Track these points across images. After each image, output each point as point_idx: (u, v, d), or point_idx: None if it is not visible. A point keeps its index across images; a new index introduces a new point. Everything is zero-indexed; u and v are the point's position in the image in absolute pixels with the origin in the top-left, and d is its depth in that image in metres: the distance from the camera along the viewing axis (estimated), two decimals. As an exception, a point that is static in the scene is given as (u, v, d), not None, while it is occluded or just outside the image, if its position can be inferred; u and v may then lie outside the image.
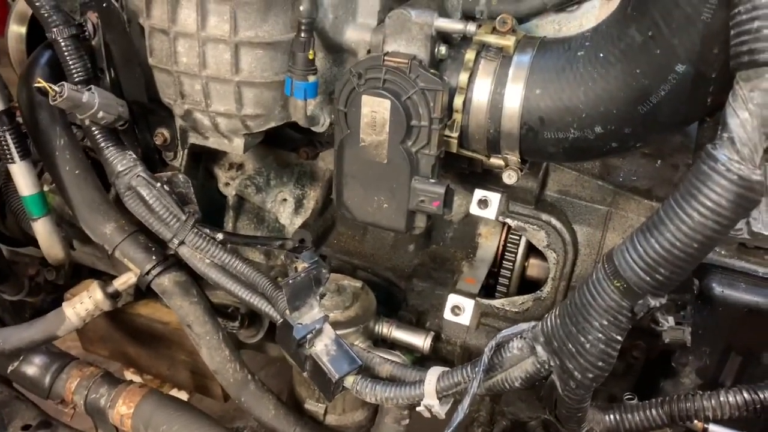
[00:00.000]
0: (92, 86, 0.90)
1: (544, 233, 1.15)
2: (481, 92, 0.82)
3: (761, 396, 0.75)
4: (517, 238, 1.21)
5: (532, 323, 0.76)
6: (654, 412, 0.78)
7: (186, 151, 1.09)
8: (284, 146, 1.31)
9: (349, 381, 0.85)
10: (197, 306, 1.11)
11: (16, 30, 1.21)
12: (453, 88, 0.82)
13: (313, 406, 1.25)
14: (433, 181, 0.83)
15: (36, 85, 0.86)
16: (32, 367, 1.21)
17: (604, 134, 0.78)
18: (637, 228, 0.64)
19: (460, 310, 1.18)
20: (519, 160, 0.86)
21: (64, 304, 1.11)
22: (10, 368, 1.21)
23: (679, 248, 0.60)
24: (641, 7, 0.71)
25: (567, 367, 0.69)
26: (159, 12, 0.86)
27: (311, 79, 0.83)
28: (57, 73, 1.03)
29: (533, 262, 1.23)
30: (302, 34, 0.80)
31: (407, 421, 1.15)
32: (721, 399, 0.76)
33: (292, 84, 0.83)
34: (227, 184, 1.33)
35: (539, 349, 0.73)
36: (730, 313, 0.96)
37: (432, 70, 0.80)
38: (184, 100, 0.91)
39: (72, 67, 0.92)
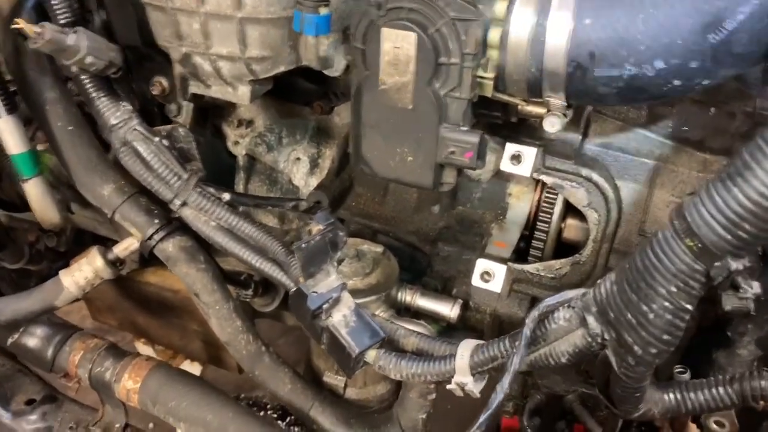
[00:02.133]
0: (79, 28, 0.80)
1: (584, 190, 1.04)
2: (522, 24, 0.71)
3: None
4: (554, 196, 1.10)
5: (581, 290, 0.65)
6: (722, 390, 0.67)
7: (191, 105, 0.99)
8: (297, 100, 1.20)
9: (370, 356, 0.76)
10: (205, 273, 1.02)
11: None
12: (487, 20, 0.71)
13: (332, 379, 1.16)
14: (464, 129, 0.73)
15: (14, 26, 0.76)
16: (33, 339, 1.14)
17: (666, 70, 0.67)
18: (715, 176, 0.53)
19: (489, 276, 1.07)
20: (564, 104, 0.74)
21: (61, 272, 1.03)
22: (10, 340, 1.14)
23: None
24: None
25: (625, 341, 0.59)
26: (148, -61, 0.75)
27: (323, 11, 0.72)
28: (45, 18, 0.93)
29: (571, 223, 1.12)
30: (312, -42, 0.69)
31: (434, 395, 1.06)
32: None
33: (302, 18, 0.72)
34: (236, 143, 1.23)
35: (591, 320, 0.63)
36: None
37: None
38: (182, 42, 0.81)
39: (57, 7, 0.82)
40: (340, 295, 0.77)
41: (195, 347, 1.43)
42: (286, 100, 1.22)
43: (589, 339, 0.63)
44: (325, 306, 0.76)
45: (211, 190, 0.89)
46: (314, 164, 1.25)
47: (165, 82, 0.88)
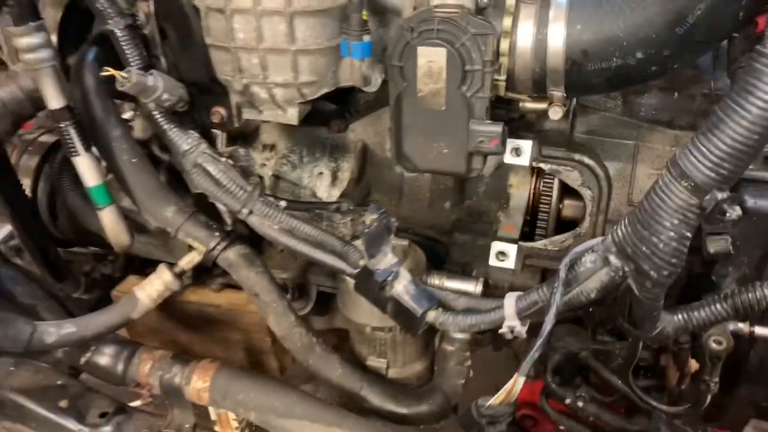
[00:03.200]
0: (153, 70, 0.95)
1: (577, 173, 1.22)
2: (525, 34, 0.89)
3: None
4: (551, 181, 1.27)
5: (601, 238, 0.82)
6: (719, 306, 0.85)
7: (224, 134, 1.14)
8: (315, 122, 1.36)
9: (431, 316, 0.92)
10: (263, 276, 1.16)
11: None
12: (499, 33, 0.89)
13: (375, 362, 1.31)
14: (489, 122, 0.90)
15: (103, 73, 0.91)
16: (104, 357, 1.26)
17: (645, 59, 0.85)
18: (697, 132, 0.71)
19: (504, 255, 1.24)
20: (564, 95, 0.92)
21: (135, 288, 1.16)
22: (83, 359, 1.26)
23: (741, 142, 0.67)
24: (674, -66, 0.77)
25: (643, 269, 0.76)
26: (213, -8, 0.91)
27: (366, 38, 0.89)
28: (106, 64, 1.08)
29: (567, 203, 1.30)
30: (356, -5, 0.86)
31: (469, 362, 1.22)
32: (779, 285, 0.83)
33: (349, 45, 0.89)
34: (263, 165, 1.38)
35: (612, 258, 0.80)
36: (763, 221, 1.03)
37: (480, 17, 0.86)
38: (243, 75, 0.96)
39: (130, 55, 0.97)
40: (399, 270, 0.93)
41: (238, 356, 1.55)
42: (305, 124, 1.38)
43: (613, 273, 0.80)
44: (388, 279, 0.91)
45: (271, 199, 1.04)
46: (335, 177, 1.40)
47: (223, 111, 1.04)
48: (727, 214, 0.69)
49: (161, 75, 0.95)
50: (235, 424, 1.30)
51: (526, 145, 1.16)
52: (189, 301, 1.48)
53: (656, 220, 0.74)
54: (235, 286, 1.50)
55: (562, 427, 1.28)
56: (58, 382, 1.32)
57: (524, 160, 1.18)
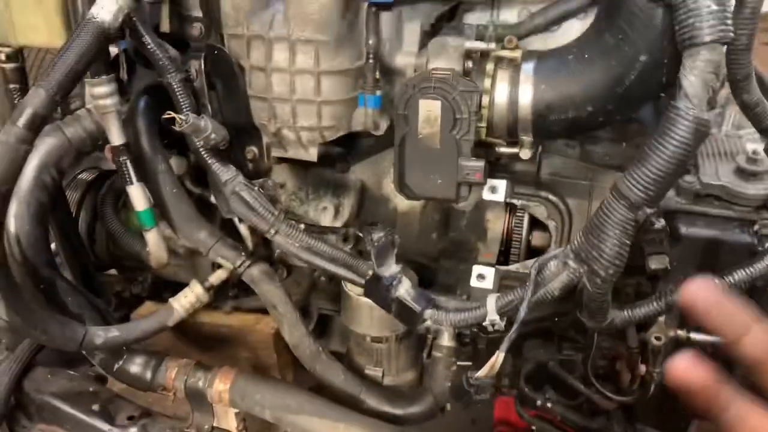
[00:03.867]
0: (203, 115, 1.18)
1: (543, 207, 1.46)
2: (501, 92, 1.14)
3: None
4: (521, 215, 1.51)
5: (561, 248, 1.06)
6: (654, 304, 1.08)
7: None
8: (323, 164, 1.59)
9: (428, 314, 1.14)
10: (280, 290, 1.37)
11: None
12: (481, 90, 1.14)
13: (372, 371, 1.51)
14: (474, 158, 1.14)
15: (165, 116, 1.13)
16: (134, 366, 1.43)
17: (594, 112, 1.10)
18: (631, 164, 0.96)
19: (483, 277, 1.47)
20: (531, 140, 1.17)
21: (171, 299, 1.35)
22: (116, 367, 1.43)
23: (662, 171, 0.91)
24: (612, 21, 1.04)
25: (594, 269, 0.99)
26: (256, 55, 1.15)
27: (378, 92, 1.13)
28: (155, 114, 1.31)
29: (536, 234, 1.53)
30: (370, 60, 1.11)
31: (455, 367, 1.43)
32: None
33: (365, 98, 1.13)
34: (276, 201, 1.60)
35: (571, 263, 1.03)
36: (693, 245, 1.28)
37: (467, 77, 1.11)
38: (276, 121, 1.20)
39: (183, 103, 1.19)
40: (401, 276, 1.15)
41: (246, 371, 1.72)
42: (312, 166, 1.60)
43: (572, 275, 1.03)
44: (393, 283, 1.13)
45: (293, 222, 1.26)
46: (337, 211, 1.62)
47: (255, 150, 1.27)
48: (655, 225, 0.93)
49: (209, 118, 1.18)
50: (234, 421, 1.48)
51: (501, 184, 1.40)
52: (203, 322, 1.66)
53: (603, 231, 0.98)
54: (244, 310, 1.70)
55: (534, 428, 1.48)
56: (90, 389, 1.49)
57: (500, 196, 1.41)
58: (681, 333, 1.26)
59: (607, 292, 1.02)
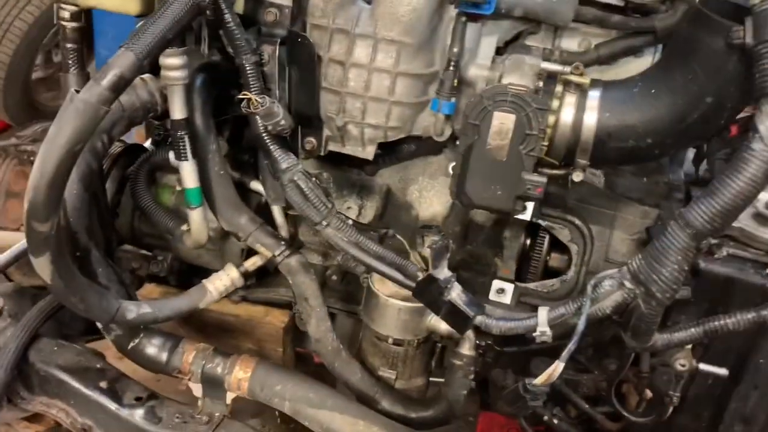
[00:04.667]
0: (274, 100, 1.18)
1: (567, 230, 1.52)
2: (567, 115, 1.19)
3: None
4: (543, 238, 1.57)
5: (616, 269, 1.11)
6: (693, 330, 1.15)
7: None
8: (350, 164, 1.60)
9: (479, 319, 1.17)
10: (314, 282, 1.37)
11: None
12: (551, 111, 1.19)
13: (386, 373, 1.52)
14: (537, 174, 1.18)
15: (241, 96, 1.13)
16: (151, 347, 1.40)
17: (652, 144, 1.17)
18: (700, 194, 1.02)
19: (502, 291, 1.51)
20: (587, 163, 1.23)
21: (204, 281, 1.33)
22: (131, 345, 1.39)
23: (730, 205, 0.98)
24: (684, 60, 1.11)
25: (651, 291, 1.05)
26: (337, 48, 1.17)
27: (453, 99, 1.17)
28: (209, 92, 1.30)
29: (554, 256, 1.59)
30: (452, 67, 1.14)
31: (473, 376, 1.46)
32: (738, 317, 1.14)
33: (440, 104, 1.16)
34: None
35: (627, 283, 1.08)
36: (710, 281, 1.35)
37: (541, 96, 1.16)
38: (344, 115, 1.21)
39: (253, 86, 1.19)
40: (454, 281, 1.18)
41: (247, 365, 1.70)
42: (340, 167, 1.61)
43: (626, 295, 1.08)
44: (447, 285, 1.15)
45: (343, 216, 1.27)
46: (360, 212, 1.64)
47: (314, 141, 1.27)
48: (717, 254, 1.00)
49: (279, 104, 1.18)
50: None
51: (530, 204, 1.45)
52: (210, 311, 1.63)
53: (665, 256, 1.03)
54: (251, 301, 1.69)
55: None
56: (98, 365, 1.44)
57: (527, 215, 1.46)
58: (706, 367, 1.33)
59: (658, 314, 1.08)
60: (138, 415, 1.38)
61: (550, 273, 1.59)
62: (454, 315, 1.17)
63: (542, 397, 1.15)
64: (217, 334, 1.67)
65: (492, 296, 1.51)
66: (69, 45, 1.25)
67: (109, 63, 1.00)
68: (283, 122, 1.17)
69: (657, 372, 1.32)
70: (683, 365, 1.25)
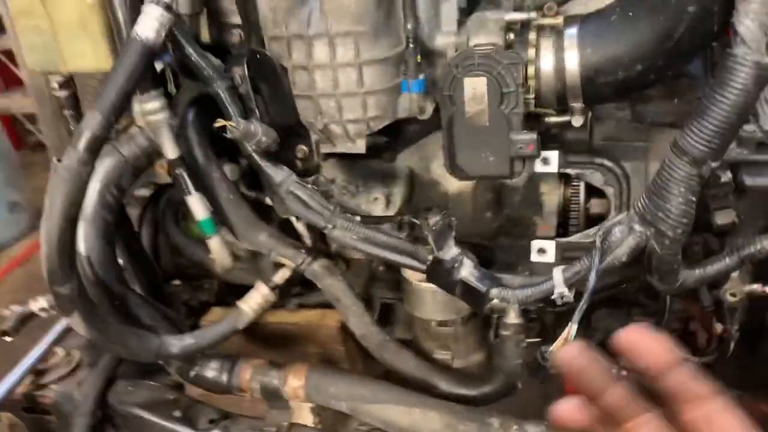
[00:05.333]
0: (252, 119, 1.19)
1: (599, 174, 1.43)
2: (547, 61, 1.12)
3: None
4: (577, 185, 1.49)
5: (625, 213, 1.04)
6: (727, 260, 1.05)
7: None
8: (369, 155, 1.59)
9: (494, 293, 1.13)
10: (343, 282, 1.38)
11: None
12: (526, 61, 1.12)
13: (441, 355, 1.51)
14: (525, 131, 1.12)
15: (217, 124, 1.16)
16: (210, 371, 1.46)
17: (644, 70, 1.07)
18: (690, 119, 0.93)
19: (544, 251, 1.45)
20: (582, 106, 1.15)
21: (238, 302, 1.38)
22: (192, 373, 1.47)
23: (724, 122, 0.89)
24: (655, -26, 1.01)
25: (661, 230, 0.97)
26: (297, 54, 1.16)
27: (421, 76, 1.13)
28: (204, 124, 1.33)
29: (594, 202, 1.51)
30: (410, 45, 1.11)
31: (525, 343, 1.42)
32: (775, 236, 1.03)
33: (409, 83, 1.13)
34: (327, 196, 1.61)
35: (636, 226, 1.01)
36: (760, 196, 1.23)
37: (510, 50, 1.10)
38: (323, 117, 1.20)
39: (232, 110, 1.21)
40: (463, 258, 1.15)
41: (315, 367, 1.74)
42: (359, 158, 1.60)
43: (638, 238, 1.01)
44: (455, 265, 1.13)
45: (349, 215, 1.27)
46: (388, 201, 1.62)
47: (305, 148, 1.28)
48: (722, 179, 0.91)
49: (259, 122, 1.19)
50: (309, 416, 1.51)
51: (553, 155, 1.38)
52: (270, 323, 1.69)
53: (667, 190, 0.95)
54: (309, 306, 1.73)
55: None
56: (170, 397, 1.53)
57: (553, 167, 1.39)
58: (756, 287, 1.22)
59: (676, 252, 1.00)
60: (213, 437, 1.46)
61: (593, 221, 1.51)
62: (468, 292, 1.14)
63: None
64: (283, 344, 1.73)
65: (534, 258, 1.46)
66: (68, 112, 1.33)
67: (80, 126, 1.06)
68: (264, 139, 1.18)
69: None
70: (733, 295, 1.14)
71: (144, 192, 1.63)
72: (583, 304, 1.00)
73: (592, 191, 1.48)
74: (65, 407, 1.48)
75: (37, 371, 1.52)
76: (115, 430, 1.52)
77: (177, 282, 1.62)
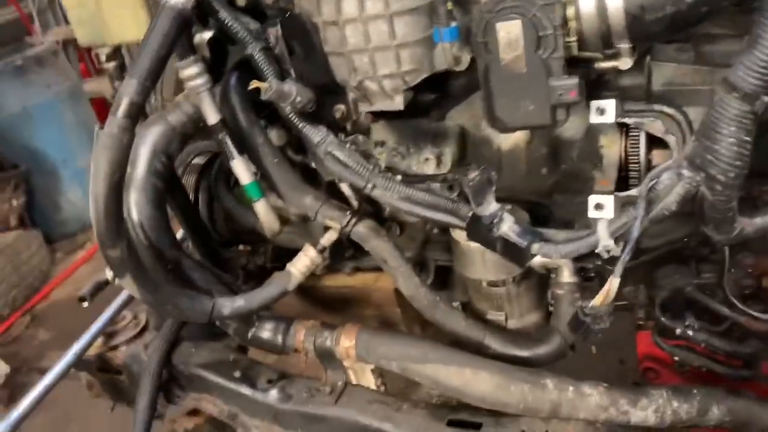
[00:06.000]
0: (287, 79, 1.19)
1: (660, 122, 1.33)
2: (586, 1, 1.05)
3: None
4: (637, 134, 1.39)
5: (671, 160, 0.96)
6: (792, 208, 0.96)
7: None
8: (417, 114, 1.56)
9: (535, 248, 1.08)
10: (388, 243, 1.36)
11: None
12: (562, 1, 1.05)
13: (495, 316, 1.47)
14: (565, 77, 1.06)
15: (251, 87, 1.16)
16: (266, 332, 1.49)
17: (695, 2, 0.98)
18: (739, 53, 0.84)
19: (601, 206, 1.37)
20: (630, 46, 1.07)
21: (288, 265, 1.39)
22: (249, 334, 1.50)
23: (777, 51, 0.80)
24: None
25: (711, 175, 0.89)
26: (327, 9, 1.14)
27: (453, 24, 1.08)
28: (245, 88, 1.34)
29: (656, 152, 1.41)
30: (440, -8, 1.06)
31: (579, 302, 1.36)
32: None
33: (440, 32, 1.08)
34: (378, 159, 1.59)
35: (685, 172, 0.93)
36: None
37: (549, -11, 1.03)
38: (357, 73, 1.18)
39: (267, 71, 1.21)
40: (503, 214, 1.10)
41: (373, 329, 1.75)
42: (409, 118, 1.57)
43: (687, 185, 0.93)
44: (495, 221, 1.09)
45: (389, 174, 1.25)
46: (439, 161, 1.58)
47: (343, 108, 1.26)
48: (780, 114, 0.82)
49: (294, 82, 1.18)
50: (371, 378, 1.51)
51: (609, 104, 1.30)
52: (327, 286, 1.71)
53: (717, 131, 0.87)
54: (365, 269, 1.73)
55: (676, 358, 1.38)
56: (231, 358, 1.58)
57: (609, 117, 1.31)
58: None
59: (730, 198, 0.92)
60: (272, 396, 1.49)
61: (655, 173, 1.41)
62: (510, 249, 1.10)
63: (606, 318, 1.04)
64: (340, 307, 1.75)
65: (591, 214, 1.38)
66: (117, 83, 1.37)
67: (118, 94, 1.09)
68: (299, 99, 1.18)
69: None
70: (806, 248, 1.04)
71: (199, 160, 1.67)
72: (624, 256, 0.94)
73: (654, 141, 1.39)
74: (134, 367, 1.56)
75: (107, 334, 1.60)
76: (180, 389, 1.58)
77: (235, 248, 1.65)
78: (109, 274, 1.66)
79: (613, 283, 0.96)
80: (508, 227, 1.09)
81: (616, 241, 1.02)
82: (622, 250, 0.96)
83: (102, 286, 1.72)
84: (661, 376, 1.85)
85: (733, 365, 1.37)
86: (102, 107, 5.82)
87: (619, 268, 0.95)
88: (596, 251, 1.04)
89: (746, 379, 1.34)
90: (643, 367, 1.85)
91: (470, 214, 1.15)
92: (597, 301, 0.99)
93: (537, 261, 1.30)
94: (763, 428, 1.23)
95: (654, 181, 0.97)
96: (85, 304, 1.70)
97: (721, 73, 1.30)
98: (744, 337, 1.36)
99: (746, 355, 1.35)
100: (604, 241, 1.01)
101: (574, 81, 1.04)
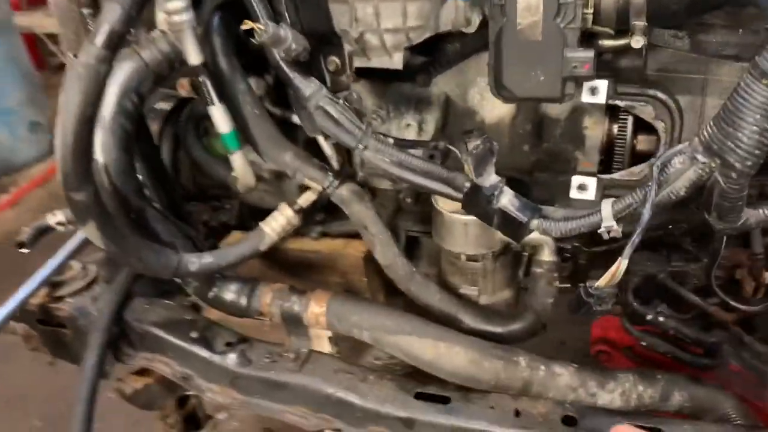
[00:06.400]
0: (282, 23, 1.10)
1: (651, 107, 1.33)
2: (610, -28, 1.01)
3: None
4: (625, 119, 1.38)
5: (688, 142, 0.94)
6: (797, 200, 0.96)
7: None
8: (402, 78, 1.49)
9: (534, 224, 1.05)
10: (371, 210, 1.31)
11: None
12: (586, -29, 1.01)
13: (468, 290, 1.45)
14: (581, 49, 1.02)
15: (244, 27, 1.06)
16: (229, 293, 1.42)
17: (719, -16, 0.96)
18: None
19: (584, 188, 1.36)
20: (645, 25, 1.04)
21: (261, 223, 1.32)
22: (210, 294, 1.42)
23: (813, 39, 0.78)
24: None
25: (728, 162, 0.88)
26: (334, -50, 1.06)
27: (470, -18, 1.03)
28: (230, 31, 1.24)
29: (641, 138, 1.41)
30: (459, -55, 1.00)
31: (557, 282, 1.35)
32: None
33: (459, -11, 1.03)
34: (353, 120, 1.52)
35: (700, 156, 0.92)
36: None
37: (571, -44, 0.99)
38: (358, 24, 1.11)
39: (260, 13, 1.12)
40: (503, 186, 1.06)
41: (336, 297, 1.69)
42: (392, 80, 1.51)
43: (700, 171, 0.92)
44: (495, 193, 1.05)
45: (382, 136, 1.19)
46: (420, 128, 1.53)
47: (338, 60, 1.19)
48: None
49: (289, 28, 1.10)
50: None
51: (602, 84, 1.28)
52: (291, 249, 1.64)
53: (740, 117, 0.86)
54: (332, 235, 1.66)
55: (643, 343, 1.40)
56: (187, 317, 1.49)
57: (601, 98, 1.29)
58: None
59: (742, 188, 0.91)
60: (230, 359, 1.42)
61: (639, 159, 1.41)
62: (507, 223, 1.06)
63: (609, 300, 1.03)
64: (304, 272, 1.68)
65: (573, 194, 1.37)
66: (86, 11, 1.24)
67: (98, 19, 0.98)
68: (294, 46, 1.09)
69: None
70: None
71: (165, 105, 1.56)
72: (635, 238, 0.93)
73: (640, 127, 1.38)
74: (80, 321, 1.45)
75: (52, 284, 1.48)
76: (131, 347, 1.49)
77: (196, 203, 1.56)
78: (52, 219, 1.54)
79: (621, 265, 0.94)
80: (508, 200, 1.06)
81: (619, 222, 1.00)
82: (633, 232, 0.94)
83: (44, 232, 1.59)
84: (613, 359, 1.89)
85: (696, 353, 1.40)
86: (32, 45, 5.44)
87: (628, 251, 0.93)
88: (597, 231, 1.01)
89: (708, 367, 1.37)
90: (596, 350, 1.88)
91: (467, 184, 1.10)
92: (603, 281, 0.97)
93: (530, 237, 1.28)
94: (720, 416, 1.26)
95: (665, 163, 0.95)
96: (25, 251, 1.57)
97: (715, 63, 1.32)
98: (708, 327, 1.39)
99: (710, 344, 1.37)
100: (607, 221, 0.99)
101: (589, 54, 1.01)
